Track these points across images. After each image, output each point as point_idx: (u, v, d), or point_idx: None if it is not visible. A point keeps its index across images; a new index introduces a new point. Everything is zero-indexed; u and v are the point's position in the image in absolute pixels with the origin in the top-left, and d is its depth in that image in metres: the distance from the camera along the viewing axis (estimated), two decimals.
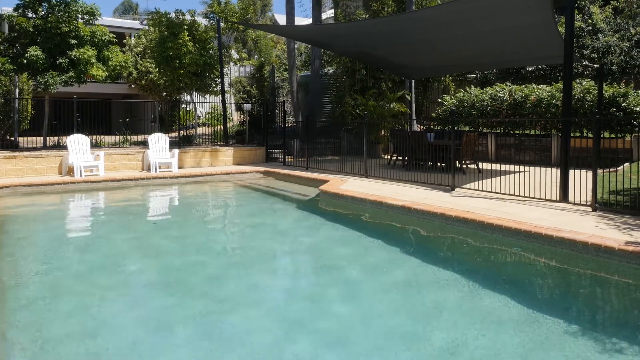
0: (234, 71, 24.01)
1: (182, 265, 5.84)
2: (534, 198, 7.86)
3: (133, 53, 22.02)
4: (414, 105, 16.39)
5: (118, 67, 14.29)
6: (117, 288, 5.07)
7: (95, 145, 13.12)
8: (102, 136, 14.08)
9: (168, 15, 14.96)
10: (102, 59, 13.86)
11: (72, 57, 12.91)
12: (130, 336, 3.88)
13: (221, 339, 3.87)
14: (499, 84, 14.87)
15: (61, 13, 13.10)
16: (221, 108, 16.14)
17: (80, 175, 11.41)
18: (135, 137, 15.50)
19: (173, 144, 13.75)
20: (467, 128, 15.57)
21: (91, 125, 13.90)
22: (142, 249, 6.69)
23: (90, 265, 5.83)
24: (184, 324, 4.14)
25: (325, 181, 10.56)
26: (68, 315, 4.24)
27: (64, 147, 12.44)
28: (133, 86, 22.57)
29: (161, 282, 5.33)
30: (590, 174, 7.28)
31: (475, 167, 11.57)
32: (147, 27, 21.30)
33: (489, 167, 12.17)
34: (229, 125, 17.39)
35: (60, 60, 12.91)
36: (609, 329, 4.16)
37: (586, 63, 14.39)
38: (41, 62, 12.54)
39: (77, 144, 12.05)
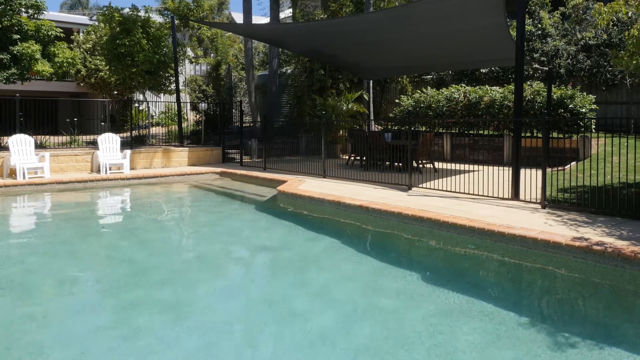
0: (189, 70, 23.48)
1: (122, 271, 5.58)
2: (487, 196, 8.03)
3: (81, 50, 21.10)
4: (371, 105, 16.49)
5: (65, 64, 13.63)
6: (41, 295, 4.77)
7: (40, 146, 12.44)
8: (47, 136, 13.36)
9: (121, 11, 14.41)
10: (48, 55, 13.20)
11: (15, 52, 12.21)
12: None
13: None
14: (454, 85, 15.17)
15: (2, 6, 12.37)
16: (176, 107, 15.69)
17: (24, 178, 10.79)
18: (84, 137, 14.83)
19: (125, 145, 13.22)
20: (424, 128, 15.80)
21: (36, 125, 13.18)
22: (79, 253, 6.35)
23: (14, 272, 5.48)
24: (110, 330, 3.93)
25: (283, 181, 10.43)
26: None
27: (5, 148, 11.73)
28: (82, 84, 21.62)
29: (95, 290, 5.05)
30: (540, 172, 7.49)
31: (432, 166, 11.74)
32: (97, 23, 20.46)
33: (444, 167, 12.38)
34: (184, 125, 16.94)
35: (1, 56, 12.19)
36: (555, 319, 4.28)
37: (536, 66, 14.91)
38: None
39: (20, 144, 11.39)
